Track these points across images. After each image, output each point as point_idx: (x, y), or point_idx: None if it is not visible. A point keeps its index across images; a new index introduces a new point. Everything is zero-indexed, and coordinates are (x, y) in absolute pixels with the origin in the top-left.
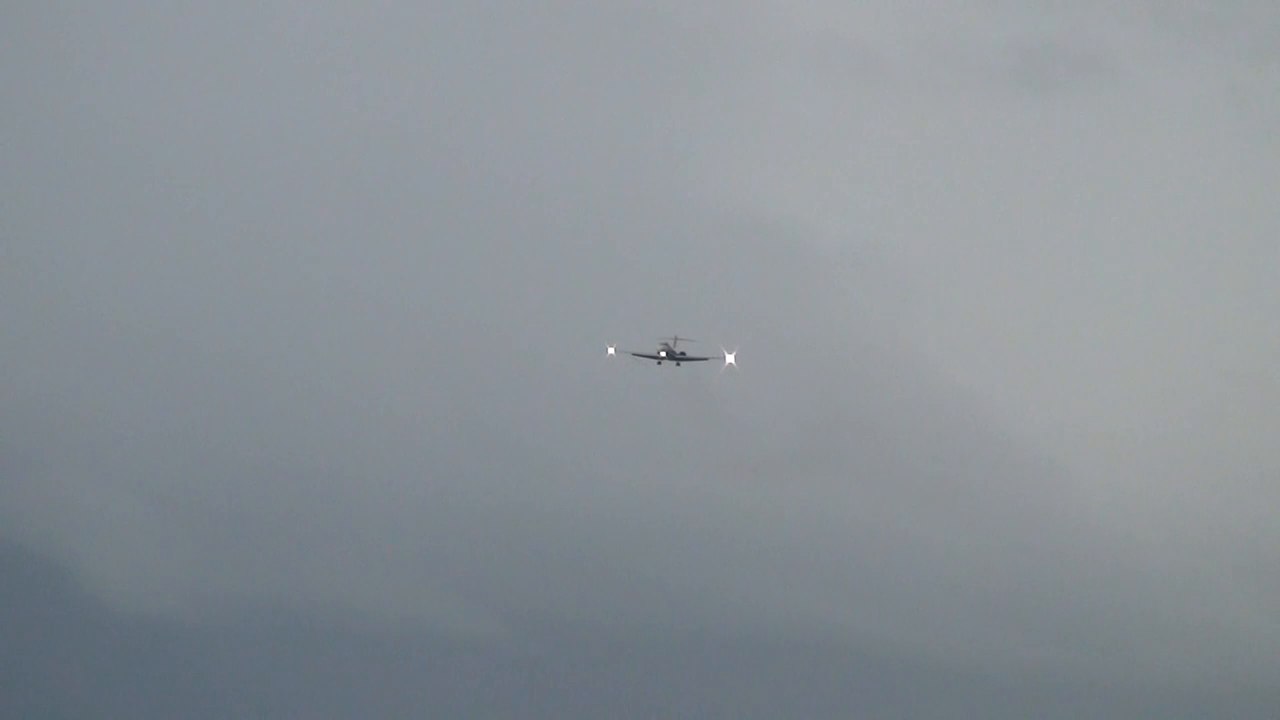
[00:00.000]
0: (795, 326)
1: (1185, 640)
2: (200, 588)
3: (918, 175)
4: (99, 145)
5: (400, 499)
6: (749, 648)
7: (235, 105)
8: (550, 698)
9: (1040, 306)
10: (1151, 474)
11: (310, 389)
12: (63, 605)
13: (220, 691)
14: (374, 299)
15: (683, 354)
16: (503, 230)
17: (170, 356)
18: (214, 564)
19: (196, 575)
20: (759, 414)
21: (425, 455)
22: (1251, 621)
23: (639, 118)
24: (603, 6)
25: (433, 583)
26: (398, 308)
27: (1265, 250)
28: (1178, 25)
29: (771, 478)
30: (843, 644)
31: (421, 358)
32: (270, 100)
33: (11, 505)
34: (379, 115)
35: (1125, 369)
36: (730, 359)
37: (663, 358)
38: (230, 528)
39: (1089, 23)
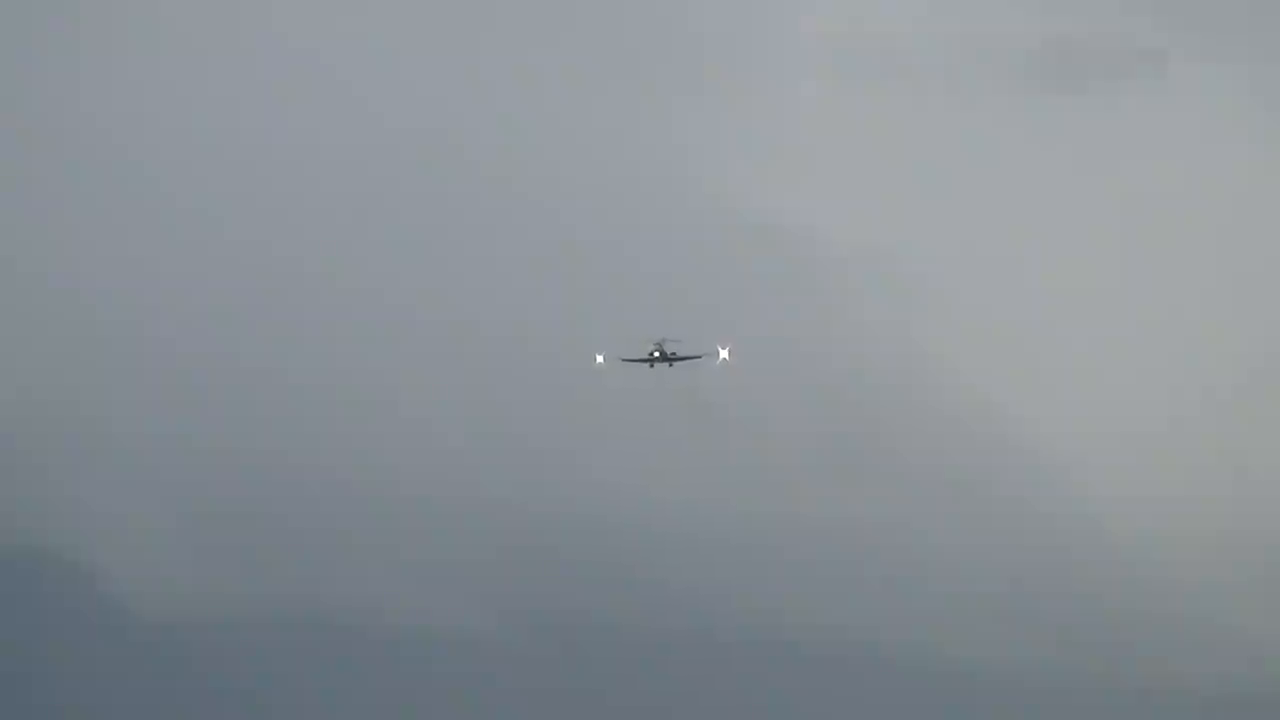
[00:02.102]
0: (806, 333)
1: (1204, 645)
2: (219, 590)
3: (935, 178)
4: (121, 147)
5: (415, 503)
6: (758, 651)
7: (246, 108)
8: (563, 700)
9: (1059, 312)
10: (1168, 478)
11: (325, 394)
12: (86, 609)
13: (240, 692)
14: (389, 305)
15: (674, 354)
16: (511, 234)
17: (190, 362)
18: (232, 567)
19: (216, 578)
20: (769, 420)
21: (440, 460)
22: (1271, 626)
23: (645, 119)
24: (609, 2)
25: (448, 586)
26: (412, 314)
27: None
28: (1217, 21)
29: (781, 483)
30: (853, 648)
31: (436, 363)
32: (274, 98)
33: (35, 510)
34: (384, 118)
35: (1143, 373)
36: (724, 354)
37: (655, 358)
38: (248, 531)
39: (1125, 18)
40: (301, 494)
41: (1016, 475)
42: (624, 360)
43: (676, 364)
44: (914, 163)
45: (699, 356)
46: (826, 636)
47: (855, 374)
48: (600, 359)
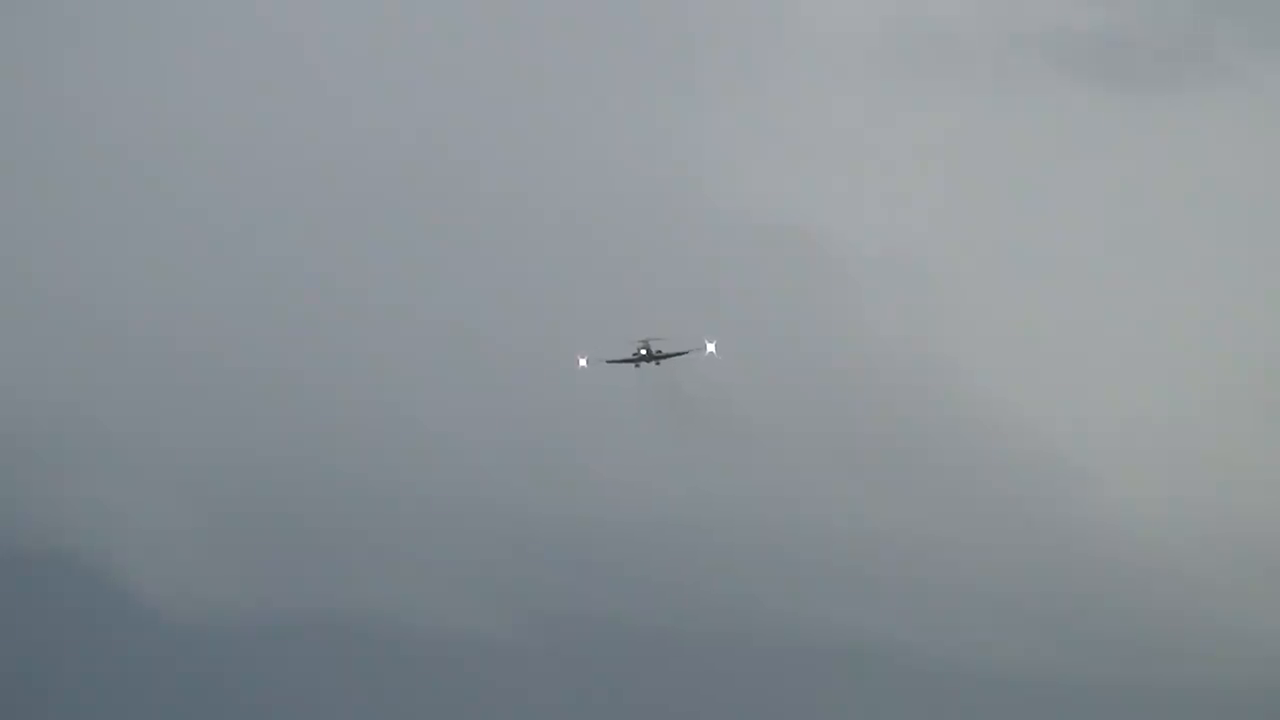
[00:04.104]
0: (827, 337)
1: (1215, 645)
2: (242, 593)
3: (968, 178)
4: (147, 153)
5: (436, 507)
6: (773, 653)
7: (247, 116)
8: (580, 701)
9: (1082, 313)
10: (1183, 480)
11: (343, 399)
12: (111, 612)
13: (261, 693)
14: (406, 311)
15: (660, 352)
16: (523, 237)
17: (215, 368)
18: (254, 570)
19: (238, 581)
20: (787, 423)
21: (457, 464)
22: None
23: (660, 118)
24: None
25: (464, 588)
26: (430, 319)
27: None
28: (1274, 11)
29: (797, 485)
30: (868, 649)
31: (453, 368)
32: (269, 103)
33: (59, 513)
34: (378, 119)
35: (1163, 375)
36: (711, 348)
37: (642, 357)
38: (270, 535)
39: (1179, 7)
40: (321, 498)
41: (1028, 476)
42: (609, 361)
43: (663, 362)
44: (945, 158)
45: (685, 352)
46: (851, 641)
47: (868, 375)
48: (583, 362)
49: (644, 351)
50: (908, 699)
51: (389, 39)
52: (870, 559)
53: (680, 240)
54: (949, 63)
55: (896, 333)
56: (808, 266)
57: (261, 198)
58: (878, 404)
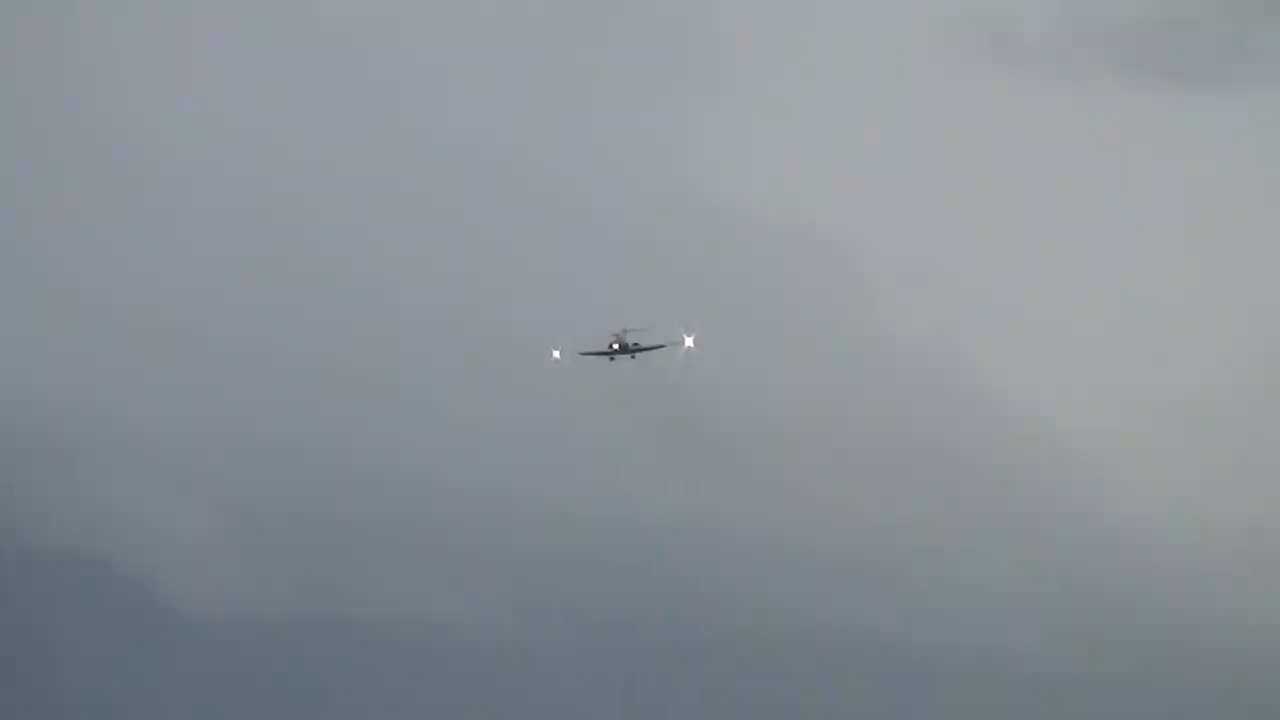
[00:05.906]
0: (841, 341)
1: (1222, 643)
2: (270, 594)
3: (1007, 173)
4: (166, 153)
5: (462, 508)
6: (794, 654)
7: (262, 117)
8: (591, 701)
9: (1082, 311)
10: (1202, 482)
11: (368, 399)
12: (139, 612)
13: (280, 692)
14: (427, 311)
15: (636, 345)
16: (529, 238)
17: (239, 370)
18: (282, 571)
19: (266, 582)
20: (803, 426)
21: (486, 465)
22: None
23: (669, 116)
24: None
25: (496, 590)
26: (447, 322)
27: None
28: None
29: (813, 487)
30: (880, 649)
31: (470, 366)
32: (274, 105)
33: (87, 514)
34: (384, 121)
35: (1168, 374)
36: (689, 342)
37: (616, 351)
38: (299, 536)
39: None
40: (347, 499)
41: (1043, 477)
42: (582, 354)
43: (639, 355)
44: (986, 153)
45: (662, 346)
46: (868, 642)
47: (880, 376)
48: (557, 354)
49: (617, 346)
50: (920, 699)
51: (374, 34)
52: (885, 560)
53: (700, 240)
54: (998, 55)
55: (918, 335)
56: (830, 266)
57: (272, 197)
58: (891, 404)
